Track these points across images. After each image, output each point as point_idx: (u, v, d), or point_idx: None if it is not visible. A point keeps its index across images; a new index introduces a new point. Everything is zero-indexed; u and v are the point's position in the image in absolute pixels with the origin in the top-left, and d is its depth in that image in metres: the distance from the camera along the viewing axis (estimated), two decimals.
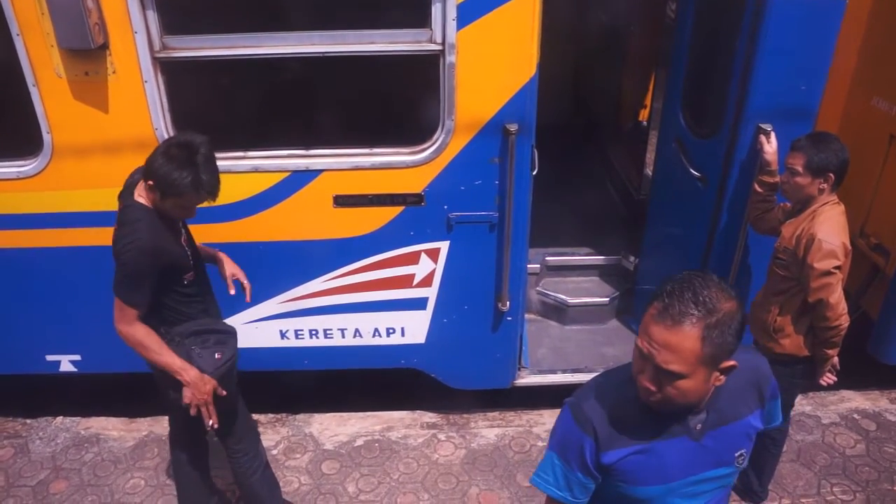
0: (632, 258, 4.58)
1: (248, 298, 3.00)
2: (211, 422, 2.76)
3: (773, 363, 3.08)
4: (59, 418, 4.23)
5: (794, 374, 3.13)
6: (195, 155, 2.49)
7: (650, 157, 4.94)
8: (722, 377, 1.59)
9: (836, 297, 2.88)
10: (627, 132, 5.82)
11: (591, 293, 4.54)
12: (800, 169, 2.93)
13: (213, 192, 2.56)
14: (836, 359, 3.06)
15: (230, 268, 3.00)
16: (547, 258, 4.59)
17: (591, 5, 5.88)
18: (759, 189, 3.28)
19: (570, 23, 5.73)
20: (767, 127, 3.26)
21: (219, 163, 3.26)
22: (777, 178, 3.22)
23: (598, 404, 1.69)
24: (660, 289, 1.55)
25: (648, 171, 4.90)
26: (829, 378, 3.13)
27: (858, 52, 4.12)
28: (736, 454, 1.75)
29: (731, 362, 1.57)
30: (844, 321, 2.92)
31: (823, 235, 2.86)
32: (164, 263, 2.61)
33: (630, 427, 1.66)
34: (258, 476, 3.16)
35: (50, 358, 3.89)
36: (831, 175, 2.91)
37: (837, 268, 2.86)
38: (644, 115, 5.76)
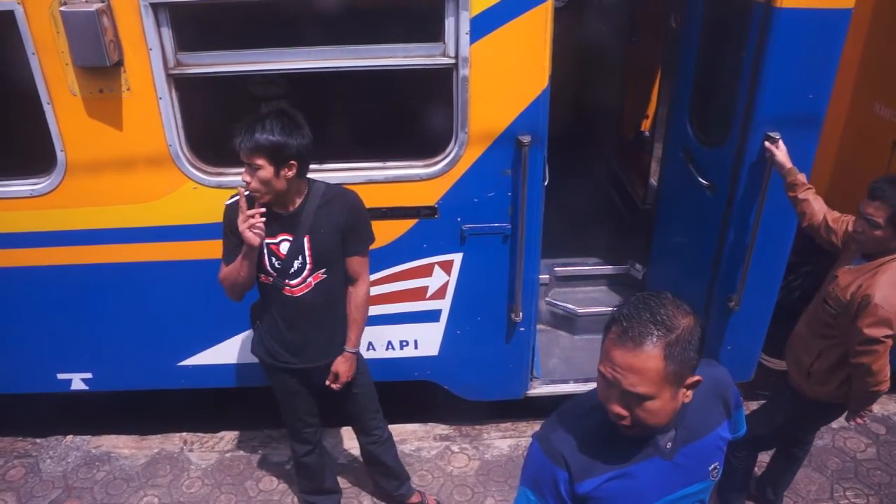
0: (638, 266, 4.61)
1: (335, 387, 3.08)
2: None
3: (804, 401, 3.03)
4: (69, 437, 4.20)
5: (826, 417, 3.13)
6: (259, 115, 2.56)
7: (653, 166, 4.98)
8: (689, 393, 1.59)
9: (880, 365, 2.69)
10: (630, 142, 5.87)
11: (600, 303, 4.55)
12: (881, 222, 2.64)
13: (241, 141, 2.54)
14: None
15: (338, 366, 3.04)
16: (555, 269, 4.60)
17: (592, 17, 5.94)
18: (793, 197, 3.20)
19: (571, 34, 5.79)
20: (776, 135, 3.30)
21: (231, 178, 3.32)
22: (797, 177, 3.19)
23: (567, 435, 1.67)
24: (616, 312, 1.54)
25: (652, 180, 4.93)
26: (859, 420, 3.00)
27: (860, 59, 4.17)
28: (710, 468, 1.75)
29: (696, 377, 1.56)
30: (884, 387, 2.75)
31: (881, 299, 2.61)
32: (237, 239, 2.71)
33: (602, 454, 1.65)
34: (316, 450, 3.36)
35: (61, 376, 3.86)
36: None
37: (889, 336, 2.63)
38: (646, 125, 5.81)
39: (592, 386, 4.30)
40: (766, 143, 3.32)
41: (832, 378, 2.90)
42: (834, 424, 4.15)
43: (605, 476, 1.65)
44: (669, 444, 1.67)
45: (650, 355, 1.47)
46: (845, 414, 3.01)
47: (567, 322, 4.54)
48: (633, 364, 1.48)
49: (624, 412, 1.54)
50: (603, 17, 5.93)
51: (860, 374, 2.75)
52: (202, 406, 4.17)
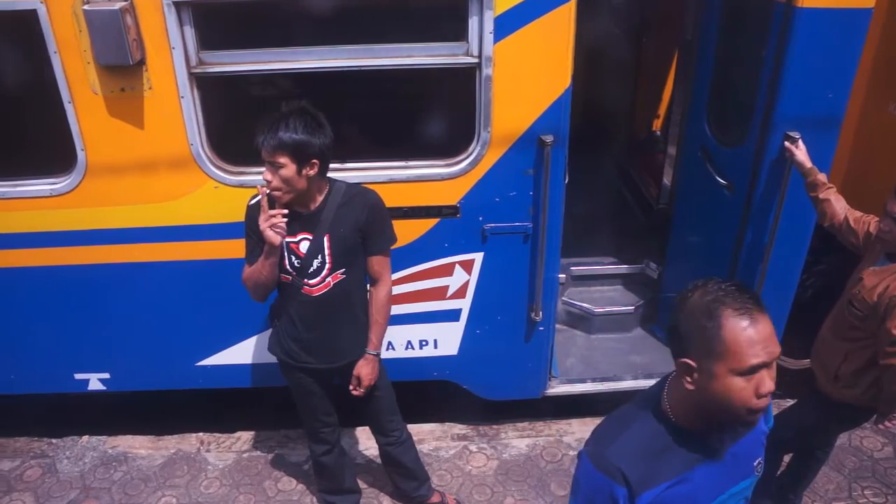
0: (654, 266, 4.61)
1: (356, 393, 3.05)
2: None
3: (831, 405, 3.01)
4: (85, 437, 4.19)
5: (854, 421, 3.10)
6: (281, 114, 2.56)
7: (666, 166, 4.97)
8: None
9: None
10: (641, 142, 5.87)
11: (615, 302, 4.55)
12: None
13: (263, 139, 2.53)
14: None
15: (359, 369, 3.00)
16: (571, 268, 4.60)
17: (603, 16, 5.92)
18: (814, 197, 3.20)
19: (582, 33, 5.77)
20: (795, 135, 3.30)
21: (253, 178, 3.31)
22: (818, 176, 3.18)
23: (623, 448, 1.63)
24: (717, 301, 1.49)
25: (665, 179, 4.93)
26: (889, 424, 2.92)
27: (874, 59, 4.18)
28: (754, 463, 1.76)
29: None
30: None
31: None
32: (258, 238, 2.70)
33: (660, 464, 1.63)
34: (334, 450, 3.35)
35: (78, 376, 3.85)
36: None
37: None
38: (657, 124, 5.82)
39: (609, 385, 4.31)
40: (786, 143, 3.32)
41: (860, 381, 2.87)
42: None
43: (665, 485, 1.63)
44: (719, 445, 1.67)
45: (769, 319, 1.50)
46: (874, 418, 2.97)
47: (583, 321, 4.54)
48: (770, 332, 1.49)
49: (774, 387, 1.51)
50: (614, 16, 5.93)
51: (890, 376, 2.72)
52: (216, 406, 4.17)
